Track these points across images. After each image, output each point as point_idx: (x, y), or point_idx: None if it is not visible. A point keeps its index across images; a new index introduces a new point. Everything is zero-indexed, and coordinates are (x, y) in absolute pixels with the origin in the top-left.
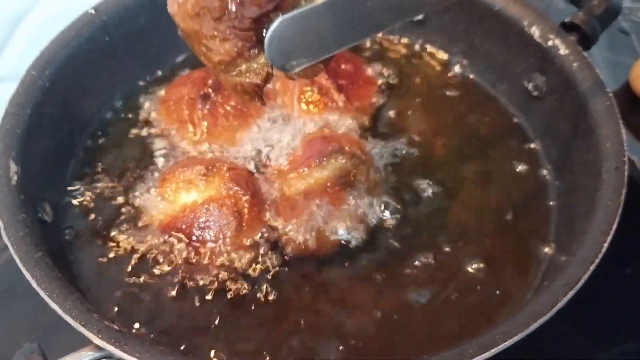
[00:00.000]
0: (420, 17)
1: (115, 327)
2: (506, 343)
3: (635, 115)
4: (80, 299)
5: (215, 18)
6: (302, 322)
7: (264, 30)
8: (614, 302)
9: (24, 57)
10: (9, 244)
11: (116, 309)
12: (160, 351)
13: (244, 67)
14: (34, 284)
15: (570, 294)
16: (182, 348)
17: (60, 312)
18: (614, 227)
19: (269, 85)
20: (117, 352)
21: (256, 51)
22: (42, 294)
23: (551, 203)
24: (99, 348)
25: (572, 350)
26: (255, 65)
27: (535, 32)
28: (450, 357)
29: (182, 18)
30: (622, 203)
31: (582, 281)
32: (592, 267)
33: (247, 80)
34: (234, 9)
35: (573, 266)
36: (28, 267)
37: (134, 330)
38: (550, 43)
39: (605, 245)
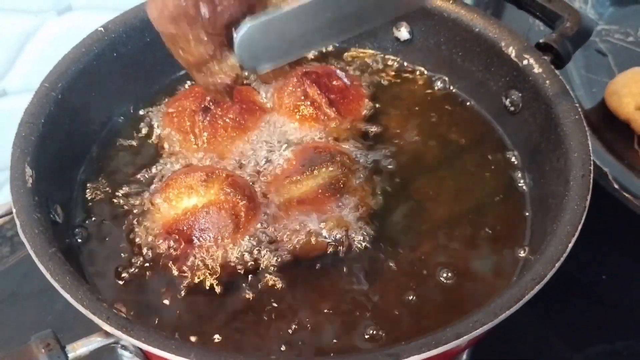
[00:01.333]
0: (407, 37)
1: (123, 314)
2: (477, 331)
3: (609, 130)
4: (90, 290)
5: (190, 23)
6: (293, 318)
7: (234, 34)
8: (590, 306)
9: (33, 72)
10: (25, 241)
11: (120, 302)
12: (164, 336)
13: (216, 67)
14: (48, 276)
15: (537, 288)
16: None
17: (72, 301)
18: (579, 229)
19: (265, 101)
20: (124, 337)
21: (227, 53)
22: (55, 285)
23: (527, 209)
24: (107, 334)
25: (550, 351)
26: (226, 67)
27: (511, 52)
28: (426, 343)
29: (160, 23)
30: (587, 207)
31: (548, 277)
32: (557, 265)
33: (219, 80)
34: (207, 15)
35: (540, 264)
36: (43, 261)
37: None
38: (525, 62)
39: (570, 245)
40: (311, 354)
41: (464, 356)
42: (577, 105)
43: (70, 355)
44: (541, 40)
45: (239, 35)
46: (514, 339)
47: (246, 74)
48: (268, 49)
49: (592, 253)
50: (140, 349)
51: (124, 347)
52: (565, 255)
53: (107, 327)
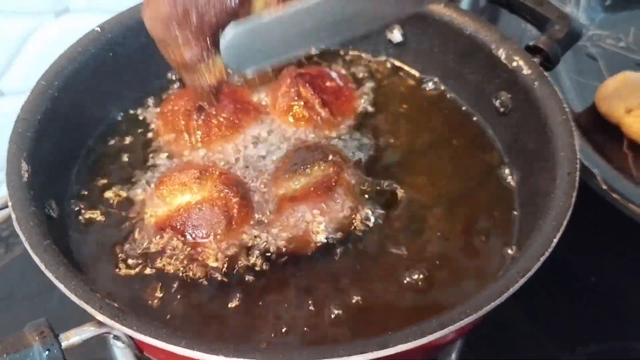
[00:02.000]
0: (400, 39)
1: (115, 305)
2: (462, 321)
3: (599, 133)
4: (84, 281)
5: (179, 29)
6: (282, 312)
7: (220, 39)
8: (580, 307)
9: (31, 73)
10: (20, 233)
11: (113, 295)
12: (155, 325)
13: (204, 69)
14: (42, 267)
15: (521, 282)
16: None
17: (65, 291)
18: (564, 224)
19: (261, 100)
20: (117, 326)
21: (214, 57)
22: (49, 275)
23: (515, 208)
24: (100, 324)
25: (540, 352)
26: (212, 68)
27: (502, 54)
28: (412, 332)
29: (154, 29)
30: (573, 204)
31: (533, 271)
32: (542, 259)
33: (206, 82)
34: (195, 22)
35: (525, 258)
36: (38, 253)
37: None
38: (515, 64)
39: (555, 240)
40: (297, 344)
41: (453, 356)
42: (566, 106)
43: (64, 343)
44: (531, 43)
45: (225, 40)
46: (504, 340)
47: (237, 78)
48: (252, 52)
49: (582, 254)
50: (133, 340)
51: (117, 337)
52: (550, 249)
53: (100, 317)
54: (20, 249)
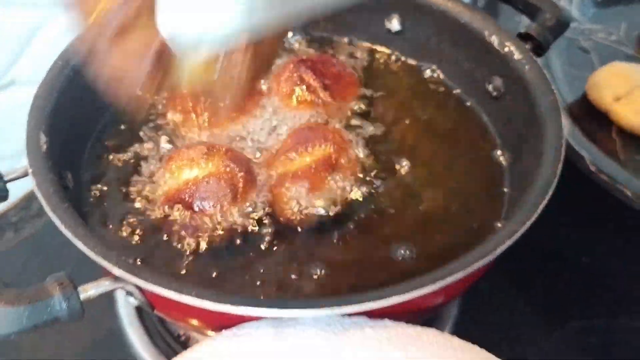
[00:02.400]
0: (398, 28)
1: (130, 261)
2: (452, 277)
3: (589, 120)
4: (101, 240)
5: None
6: (281, 280)
7: None
8: (569, 285)
9: (41, 64)
10: (40, 197)
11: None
12: (168, 278)
13: None
14: (62, 228)
15: (508, 243)
16: None
17: (84, 248)
18: (550, 193)
19: (263, 86)
20: (132, 279)
21: None
22: (68, 235)
23: (506, 187)
24: (115, 279)
25: (529, 329)
26: None
27: (494, 40)
28: (406, 286)
29: None
30: (558, 174)
31: (519, 233)
32: (528, 223)
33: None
34: None
35: (511, 224)
36: (57, 213)
37: None
38: (507, 49)
39: (541, 207)
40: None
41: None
42: (554, 87)
43: (82, 295)
44: (522, 30)
45: None
46: (495, 318)
47: None
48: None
49: (572, 234)
50: (145, 296)
51: (129, 294)
52: (536, 214)
53: (116, 271)
54: (27, 232)
